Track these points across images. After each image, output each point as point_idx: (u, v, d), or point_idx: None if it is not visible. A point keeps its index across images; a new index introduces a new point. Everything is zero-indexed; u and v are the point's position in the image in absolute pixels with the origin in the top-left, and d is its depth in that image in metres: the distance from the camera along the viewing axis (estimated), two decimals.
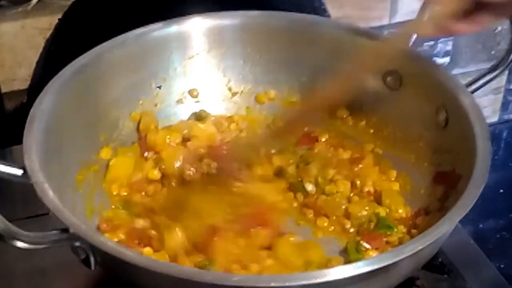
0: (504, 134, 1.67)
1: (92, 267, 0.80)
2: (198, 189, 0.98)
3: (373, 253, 0.91)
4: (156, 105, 1.07)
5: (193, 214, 0.94)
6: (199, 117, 1.09)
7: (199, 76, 1.09)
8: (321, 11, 1.29)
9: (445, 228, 0.80)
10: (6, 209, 0.77)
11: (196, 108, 1.09)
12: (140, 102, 1.06)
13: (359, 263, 0.76)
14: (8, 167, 0.84)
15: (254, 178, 1.00)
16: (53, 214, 0.79)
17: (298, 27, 1.09)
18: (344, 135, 1.07)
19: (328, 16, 1.29)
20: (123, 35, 1.04)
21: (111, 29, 1.04)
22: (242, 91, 1.11)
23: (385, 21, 1.42)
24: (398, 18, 1.42)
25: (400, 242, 0.92)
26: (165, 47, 1.07)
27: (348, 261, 0.90)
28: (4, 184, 0.89)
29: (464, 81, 0.99)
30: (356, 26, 1.10)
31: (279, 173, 1.02)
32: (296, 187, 1.00)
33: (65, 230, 0.78)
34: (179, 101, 1.09)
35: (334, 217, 0.97)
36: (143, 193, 0.99)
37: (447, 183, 0.94)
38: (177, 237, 0.90)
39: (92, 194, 0.96)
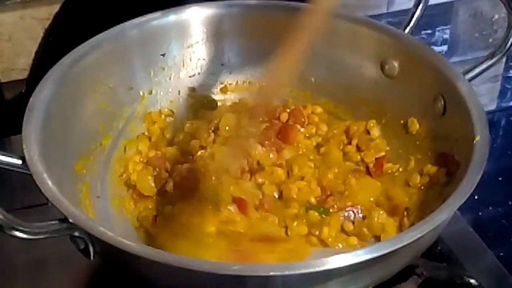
0: (503, 122, 1.67)
1: (91, 257, 0.80)
2: None
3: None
4: (155, 93, 1.07)
5: None
6: (209, 105, 1.10)
7: (197, 66, 1.10)
8: None
9: (444, 215, 0.80)
10: (5, 199, 0.77)
11: (194, 97, 1.10)
12: (139, 92, 1.06)
13: (359, 251, 0.76)
14: (7, 157, 0.84)
15: None
16: (52, 204, 0.79)
17: (296, 16, 1.09)
18: None
19: None
20: (122, 24, 1.04)
21: (110, 19, 1.04)
22: (240, 82, 1.11)
23: (383, 10, 1.42)
24: (396, 7, 1.42)
25: None
26: (164, 37, 1.07)
27: None
28: (3, 174, 0.89)
29: (461, 69, 0.99)
30: (354, 15, 1.10)
31: None
32: None
33: (64, 220, 0.78)
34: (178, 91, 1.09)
35: None
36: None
37: (446, 166, 0.94)
38: None
39: (91, 184, 0.97)
